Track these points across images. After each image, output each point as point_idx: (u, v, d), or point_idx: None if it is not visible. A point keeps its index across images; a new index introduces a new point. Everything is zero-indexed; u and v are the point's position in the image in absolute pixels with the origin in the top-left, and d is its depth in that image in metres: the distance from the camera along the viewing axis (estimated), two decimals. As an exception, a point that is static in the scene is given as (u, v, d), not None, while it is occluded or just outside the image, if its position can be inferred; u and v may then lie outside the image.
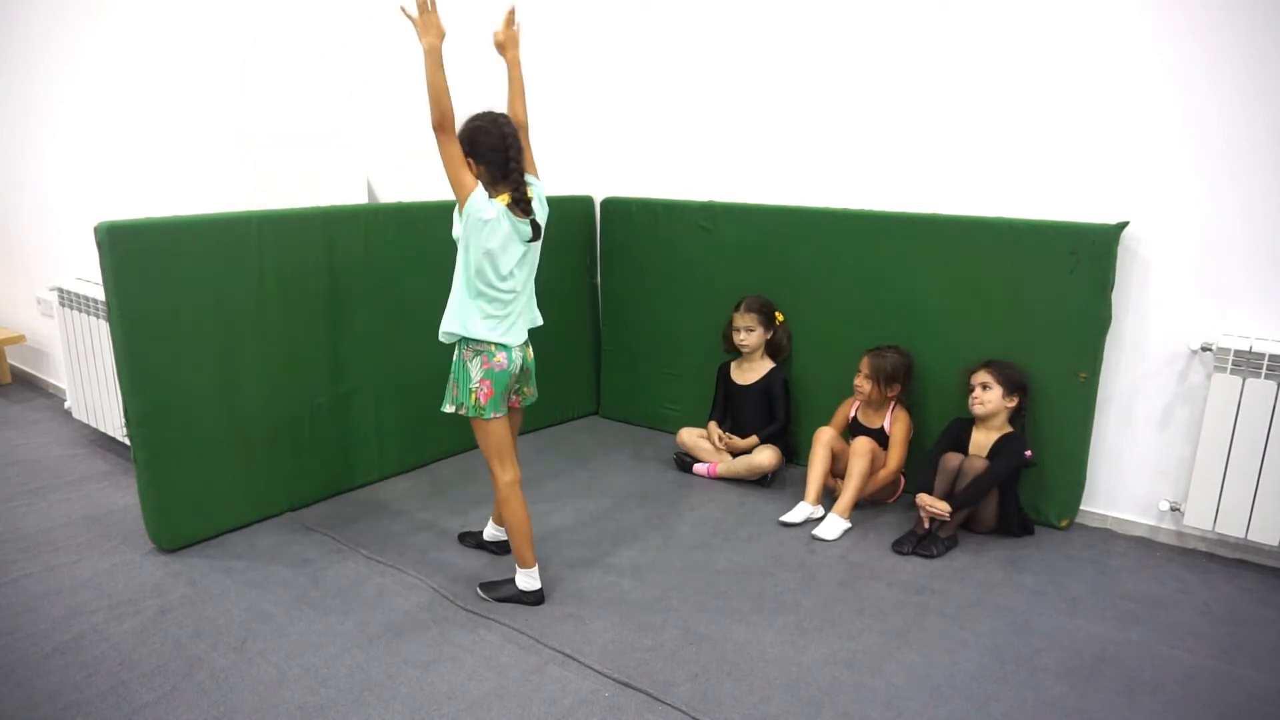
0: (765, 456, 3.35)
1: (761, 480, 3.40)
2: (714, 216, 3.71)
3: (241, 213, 2.95)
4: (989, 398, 2.93)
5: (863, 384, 3.17)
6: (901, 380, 3.16)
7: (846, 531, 2.99)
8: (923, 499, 2.87)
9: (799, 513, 3.08)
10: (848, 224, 3.37)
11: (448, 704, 2.10)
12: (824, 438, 3.18)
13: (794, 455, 3.58)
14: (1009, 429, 2.96)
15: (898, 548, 2.87)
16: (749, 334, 3.44)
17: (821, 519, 3.05)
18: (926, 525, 2.87)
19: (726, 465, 3.43)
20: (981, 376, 2.95)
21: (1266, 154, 2.64)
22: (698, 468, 3.50)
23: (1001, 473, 2.87)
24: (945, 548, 2.84)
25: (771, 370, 3.48)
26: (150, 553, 2.82)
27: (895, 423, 3.19)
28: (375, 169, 3.76)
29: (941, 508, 2.82)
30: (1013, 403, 2.94)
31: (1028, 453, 2.91)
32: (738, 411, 3.55)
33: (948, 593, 2.61)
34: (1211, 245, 2.76)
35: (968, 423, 3.02)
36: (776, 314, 3.49)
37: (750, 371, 3.51)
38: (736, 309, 3.47)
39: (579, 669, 2.24)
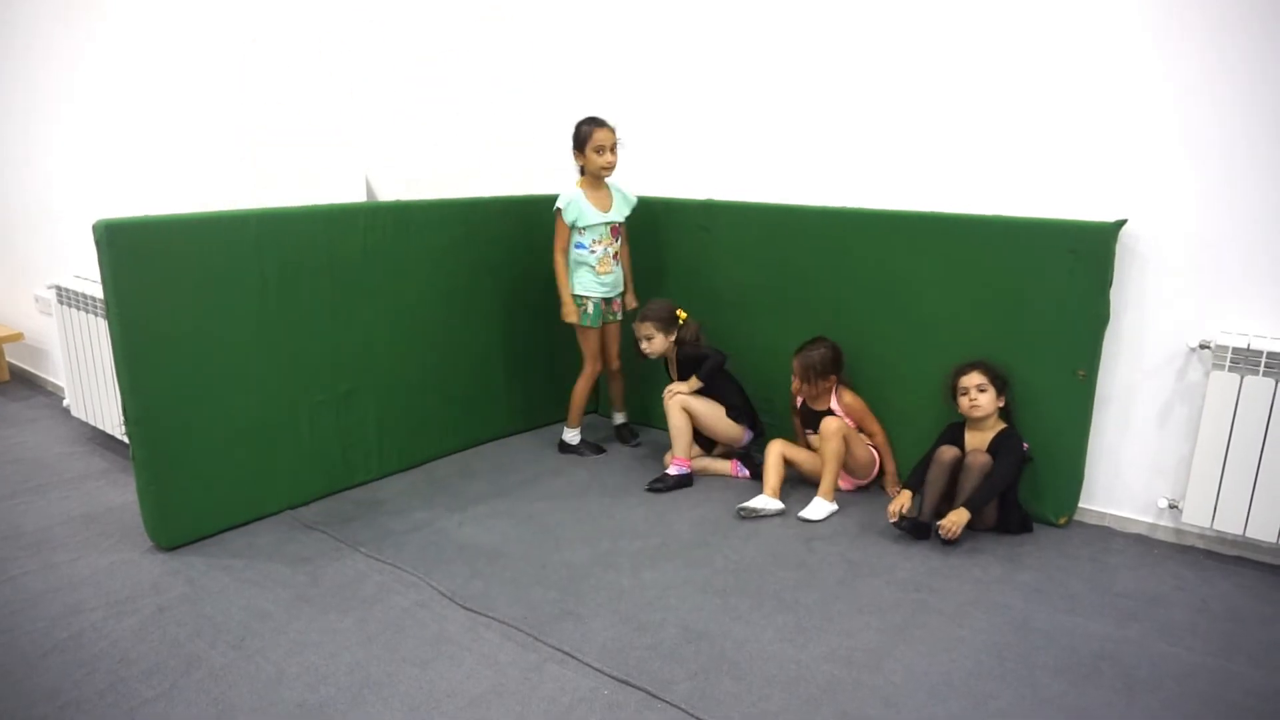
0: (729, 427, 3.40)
1: (743, 456, 3.42)
2: (714, 216, 3.71)
3: (241, 211, 2.94)
4: (985, 400, 2.93)
5: (796, 385, 3.29)
6: (833, 370, 3.26)
7: (833, 513, 3.00)
8: (947, 526, 2.80)
9: (759, 501, 3.11)
10: (848, 223, 3.36)
11: (447, 702, 2.10)
12: (775, 449, 3.27)
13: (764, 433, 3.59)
14: (1001, 425, 2.97)
15: (915, 532, 2.89)
16: (649, 342, 3.48)
17: (782, 510, 3.10)
18: (944, 535, 2.84)
19: (701, 463, 3.45)
20: (976, 379, 2.95)
21: (1265, 151, 2.64)
22: (672, 470, 3.38)
23: (1010, 471, 2.87)
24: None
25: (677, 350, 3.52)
26: (149, 551, 2.82)
27: (842, 398, 3.28)
28: (375, 167, 3.76)
29: (956, 524, 2.79)
30: (1002, 402, 2.97)
31: (1025, 445, 2.93)
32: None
33: (946, 590, 2.61)
34: (1210, 243, 2.76)
35: (960, 425, 3.02)
36: (679, 312, 3.51)
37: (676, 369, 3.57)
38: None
39: (578, 667, 2.24)
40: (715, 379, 3.45)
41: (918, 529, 2.89)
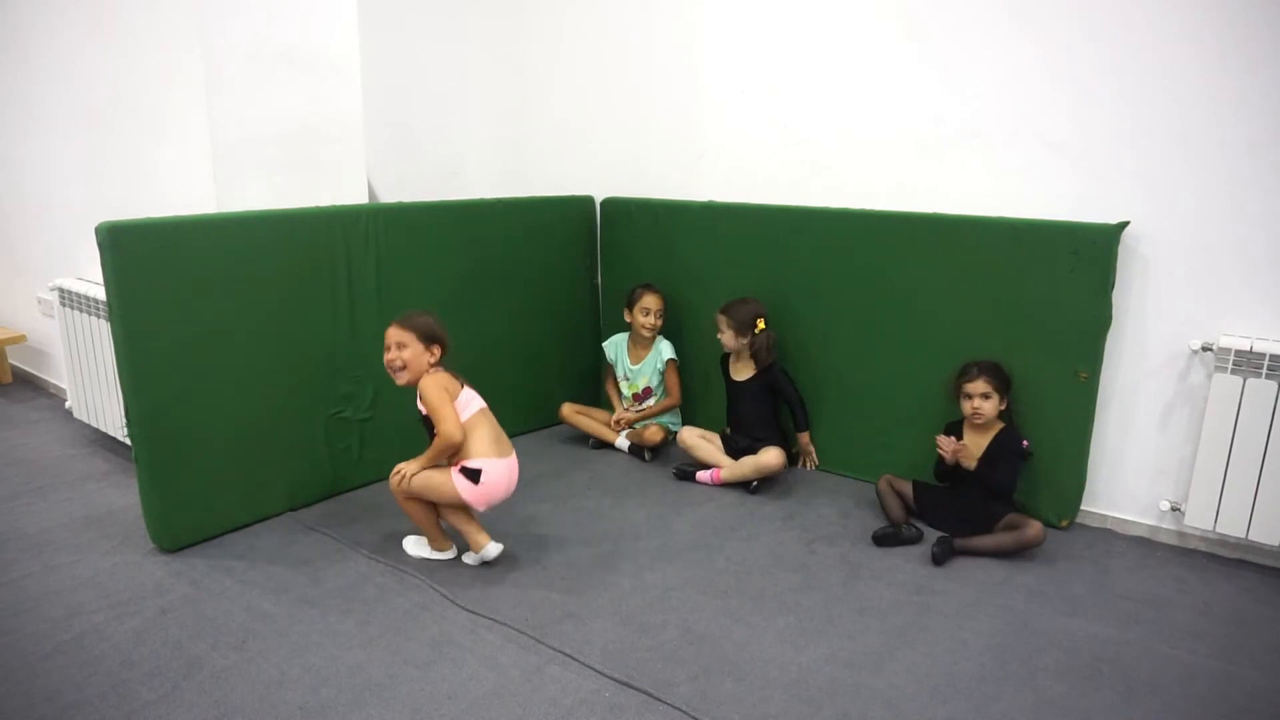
0: (772, 456, 3.29)
1: (747, 485, 3.36)
2: (714, 216, 3.72)
3: (243, 213, 2.95)
4: (988, 408, 2.92)
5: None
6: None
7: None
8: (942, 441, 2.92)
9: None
10: (848, 224, 3.37)
11: (448, 704, 2.10)
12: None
13: (798, 459, 3.59)
14: (1000, 425, 2.96)
15: (883, 542, 2.90)
16: (720, 334, 3.46)
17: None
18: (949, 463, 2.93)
19: (731, 470, 3.37)
20: (980, 387, 2.92)
21: (1267, 154, 2.64)
22: (700, 475, 3.43)
23: (1011, 477, 2.88)
24: (953, 553, 2.83)
25: (769, 366, 3.46)
26: (151, 553, 2.82)
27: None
28: (376, 168, 3.76)
29: (958, 449, 2.90)
30: (1004, 405, 2.95)
31: (1025, 443, 2.93)
32: (735, 409, 3.54)
33: (948, 592, 2.61)
34: (1212, 245, 2.76)
35: (957, 423, 3.03)
36: (759, 322, 3.46)
37: (743, 369, 3.51)
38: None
39: (579, 669, 2.24)
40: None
41: (903, 539, 2.91)
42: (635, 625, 2.43)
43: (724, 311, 3.45)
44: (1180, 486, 2.92)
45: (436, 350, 2.70)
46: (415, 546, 2.82)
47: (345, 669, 2.23)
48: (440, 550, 2.78)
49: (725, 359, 3.59)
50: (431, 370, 2.70)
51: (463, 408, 2.69)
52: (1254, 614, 2.53)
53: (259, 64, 3.15)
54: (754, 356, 3.48)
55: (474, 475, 2.64)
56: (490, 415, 2.76)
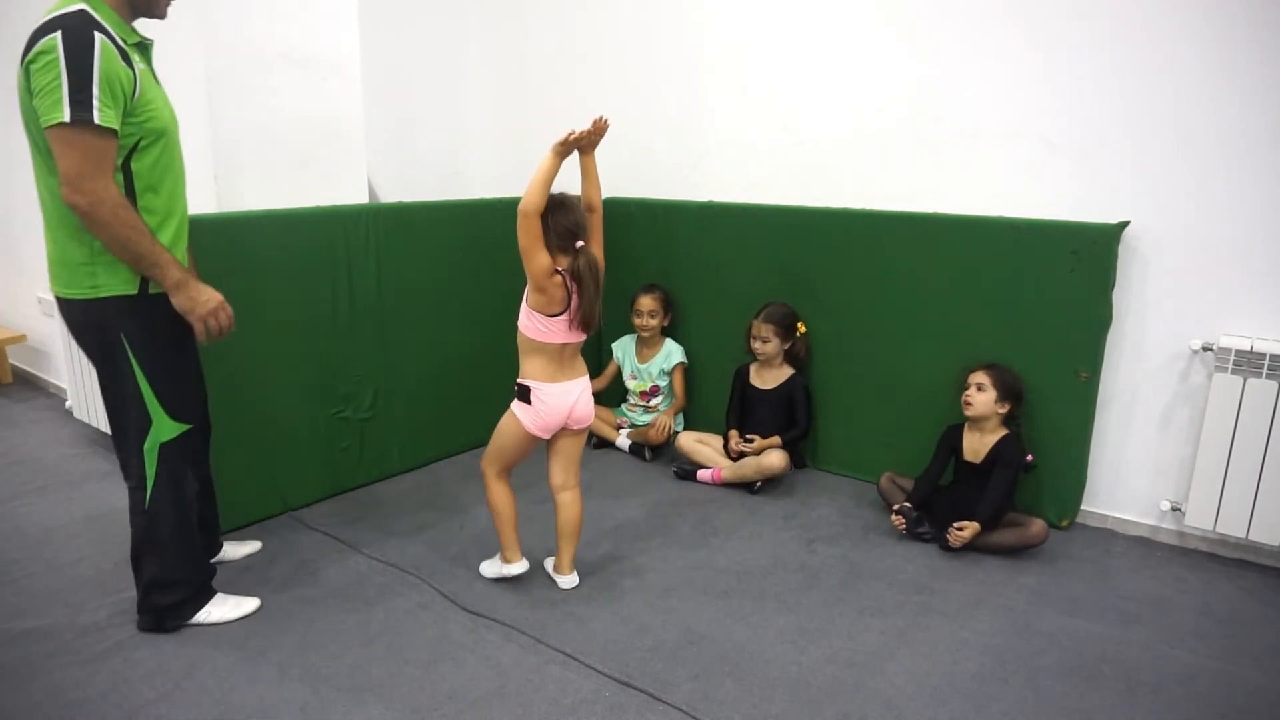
0: (775, 459, 3.29)
1: (750, 486, 3.36)
2: (714, 216, 3.72)
3: (242, 213, 2.95)
4: (980, 400, 2.92)
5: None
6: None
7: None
8: (958, 537, 2.81)
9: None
10: (848, 224, 3.37)
11: (448, 704, 2.10)
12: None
13: (803, 462, 3.58)
14: (1004, 431, 2.95)
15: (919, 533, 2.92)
16: (764, 344, 3.42)
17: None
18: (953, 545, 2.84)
19: (732, 470, 3.37)
20: (979, 377, 2.94)
21: (1267, 154, 2.64)
22: (701, 474, 3.43)
23: (1009, 481, 2.86)
24: (925, 523, 2.90)
25: (792, 376, 3.47)
26: (151, 552, 2.82)
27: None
28: (376, 168, 3.76)
29: (963, 538, 2.81)
30: (1004, 409, 2.93)
31: (1029, 457, 2.92)
32: (753, 416, 3.52)
33: (948, 592, 2.61)
34: (1212, 244, 2.76)
35: (958, 427, 3.02)
36: (799, 325, 3.47)
37: (770, 376, 3.50)
38: (756, 316, 3.45)
39: (580, 668, 2.24)
40: (794, 444, 3.48)
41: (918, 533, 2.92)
42: (635, 625, 2.44)
43: (769, 320, 3.41)
44: (1180, 486, 2.92)
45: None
46: (490, 567, 2.71)
47: (345, 668, 2.23)
48: (510, 563, 2.63)
49: (745, 367, 3.57)
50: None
51: (545, 331, 2.52)
52: (1254, 614, 2.53)
53: (260, 64, 3.14)
54: (792, 360, 3.48)
55: (524, 394, 2.53)
56: (567, 353, 2.59)
